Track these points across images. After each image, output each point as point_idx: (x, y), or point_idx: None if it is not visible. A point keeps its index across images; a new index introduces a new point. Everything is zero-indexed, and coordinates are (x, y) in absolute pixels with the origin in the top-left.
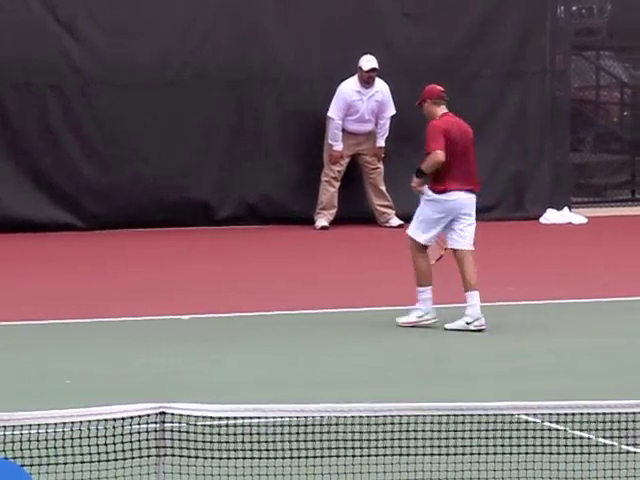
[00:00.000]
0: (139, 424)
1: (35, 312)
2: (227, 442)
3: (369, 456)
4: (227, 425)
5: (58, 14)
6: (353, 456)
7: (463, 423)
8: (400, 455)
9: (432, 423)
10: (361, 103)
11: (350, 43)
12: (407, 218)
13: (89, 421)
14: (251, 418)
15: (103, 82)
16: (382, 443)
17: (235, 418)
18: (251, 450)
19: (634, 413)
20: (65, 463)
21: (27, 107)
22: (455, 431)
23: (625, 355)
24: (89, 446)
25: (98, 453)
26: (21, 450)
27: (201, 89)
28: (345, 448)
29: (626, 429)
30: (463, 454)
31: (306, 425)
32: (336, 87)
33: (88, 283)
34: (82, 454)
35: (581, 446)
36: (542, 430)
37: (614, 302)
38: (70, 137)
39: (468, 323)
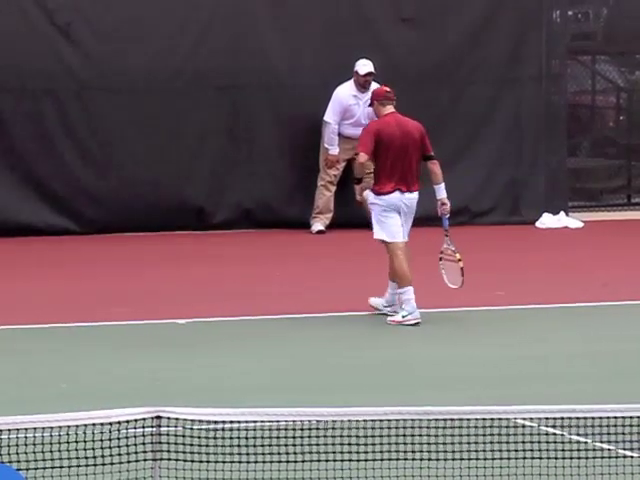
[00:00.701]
0: (135, 428)
1: (31, 316)
2: (223, 446)
3: (366, 460)
4: (223, 429)
5: (54, 19)
6: (350, 460)
7: (460, 427)
8: (397, 460)
9: (428, 427)
10: (357, 107)
11: (345, 48)
12: None
13: (85, 425)
14: (247, 422)
15: (98, 87)
16: (378, 447)
17: (231, 422)
18: (247, 454)
19: (631, 417)
20: (61, 467)
21: (22, 112)
22: (452, 435)
23: (621, 359)
24: (85, 450)
25: (94, 457)
26: (17, 454)
27: (196, 94)
28: (341, 452)
29: (623, 433)
30: (461, 459)
31: (302, 429)
32: (331, 92)
33: (84, 287)
34: (78, 458)
35: (578, 450)
36: (539, 434)
37: (611, 306)
38: (65, 142)
39: (385, 306)
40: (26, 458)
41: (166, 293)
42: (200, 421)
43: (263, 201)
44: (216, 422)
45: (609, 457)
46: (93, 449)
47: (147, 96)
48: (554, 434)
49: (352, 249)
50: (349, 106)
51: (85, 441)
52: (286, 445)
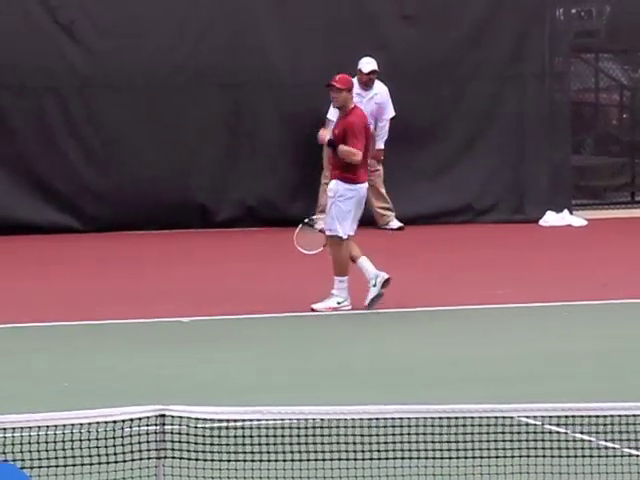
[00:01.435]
0: (139, 426)
1: (34, 314)
2: (227, 444)
3: (371, 459)
4: (227, 427)
5: (56, 16)
6: (355, 459)
7: (464, 426)
8: (402, 459)
9: (432, 426)
10: (360, 105)
11: (348, 45)
12: (407, 220)
13: (89, 423)
14: (251, 420)
15: (101, 85)
16: (383, 446)
17: (235, 420)
18: (251, 452)
19: (635, 416)
20: (65, 465)
21: (25, 109)
22: (456, 434)
23: (624, 357)
24: (89, 448)
25: (98, 455)
26: (21, 452)
27: (199, 91)
28: (346, 451)
29: (627, 432)
30: (465, 457)
31: (306, 427)
32: None
33: (87, 285)
34: (82, 456)
35: (582, 449)
36: (542, 433)
37: (614, 304)
38: (68, 139)
39: (339, 303)
40: (30, 456)
41: (169, 291)
42: (204, 419)
43: (266, 199)
44: (220, 420)
45: (614, 456)
46: (97, 447)
47: (149, 93)
48: (558, 432)
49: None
50: None
51: (89, 439)
52: (290, 444)
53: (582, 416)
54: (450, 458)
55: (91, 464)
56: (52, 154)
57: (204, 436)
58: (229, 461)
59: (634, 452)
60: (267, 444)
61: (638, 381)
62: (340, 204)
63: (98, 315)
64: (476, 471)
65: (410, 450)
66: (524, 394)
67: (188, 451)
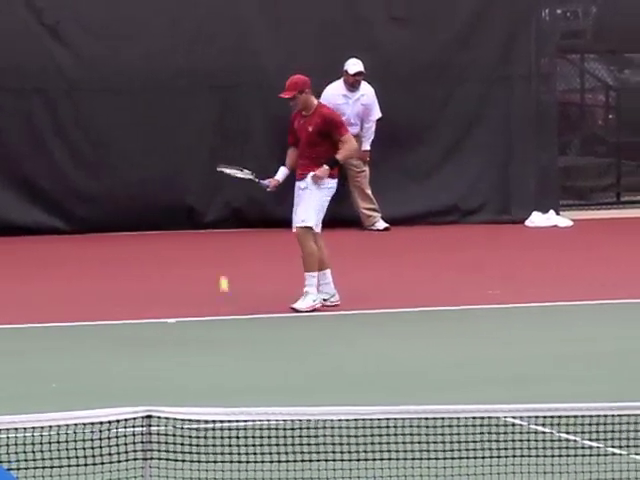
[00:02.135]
0: (125, 427)
1: (20, 316)
2: (214, 445)
3: (358, 460)
4: (214, 428)
5: (43, 18)
6: (342, 460)
7: (450, 426)
8: (389, 459)
9: (419, 427)
10: (347, 107)
11: (336, 47)
12: (393, 221)
13: (75, 424)
14: (238, 421)
15: (89, 86)
16: (370, 447)
17: (222, 421)
18: (238, 454)
19: (620, 416)
20: (52, 467)
21: (13, 111)
22: (442, 434)
23: (611, 358)
24: (75, 449)
25: (85, 456)
26: (7, 454)
27: (187, 93)
28: (333, 452)
29: (612, 431)
30: (452, 458)
31: (293, 429)
32: (321, 91)
33: (74, 287)
34: (69, 457)
35: (567, 448)
36: (528, 433)
37: (600, 305)
38: (56, 141)
39: (325, 299)
40: (17, 458)
41: (156, 292)
42: (190, 420)
43: (253, 201)
44: (206, 421)
45: (598, 455)
46: (84, 449)
47: (137, 95)
48: (543, 432)
49: (342, 247)
50: (338, 105)
51: (75, 441)
52: (277, 445)
53: (567, 416)
54: (437, 459)
55: (77, 465)
56: (40, 156)
57: (191, 437)
58: (215, 462)
59: (617, 451)
60: (254, 445)
61: (623, 381)
62: (320, 194)
63: (85, 317)
64: (462, 472)
65: (397, 451)
66: (510, 395)
67: (175, 452)
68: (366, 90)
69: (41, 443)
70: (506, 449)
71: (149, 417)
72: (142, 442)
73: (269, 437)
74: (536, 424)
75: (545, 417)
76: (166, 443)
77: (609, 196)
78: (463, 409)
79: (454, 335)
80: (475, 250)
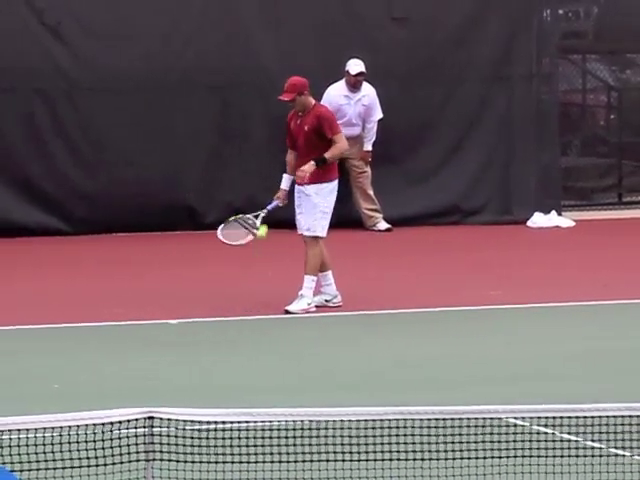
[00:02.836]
0: (127, 429)
1: (22, 317)
2: (215, 446)
3: (359, 461)
4: (216, 429)
5: (43, 18)
6: (343, 460)
7: (452, 427)
8: (390, 460)
9: (421, 427)
10: (348, 107)
11: (336, 47)
12: (395, 222)
13: (77, 426)
14: (240, 422)
15: (88, 86)
16: (371, 447)
17: (224, 422)
18: (240, 454)
19: (622, 416)
20: (55, 468)
21: (13, 111)
22: (444, 435)
23: (614, 359)
24: (78, 451)
25: (87, 458)
26: (10, 455)
27: (187, 93)
28: (335, 452)
29: (614, 432)
30: (453, 459)
31: (295, 429)
32: (323, 91)
33: (75, 288)
34: (71, 459)
35: (569, 449)
36: (530, 433)
37: (604, 305)
38: (56, 141)
39: (327, 300)
40: (19, 459)
41: (157, 293)
42: (192, 421)
43: (254, 201)
44: (208, 422)
45: (600, 456)
46: (86, 450)
47: (138, 95)
48: (545, 433)
49: (344, 248)
50: (340, 106)
51: (78, 442)
52: (279, 445)
53: (569, 417)
54: (438, 459)
55: (80, 466)
56: (41, 156)
57: (192, 438)
58: (217, 462)
59: (620, 452)
60: (256, 446)
61: (623, 381)
62: (321, 199)
63: (86, 317)
64: (464, 472)
65: (398, 452)
66: (512, 395)
67: (177, 453)
68: (368, 91)
69: (44, 444)
70: (508, 449)
71: (151, 418)
72: (144, 443)
73: (271, 438)
74: (538, 425)
75: (547, 418)
76: (168, 444)
77: (611, 197)
78: (465, 410)
79: (455, 335)
80: (477, 251)
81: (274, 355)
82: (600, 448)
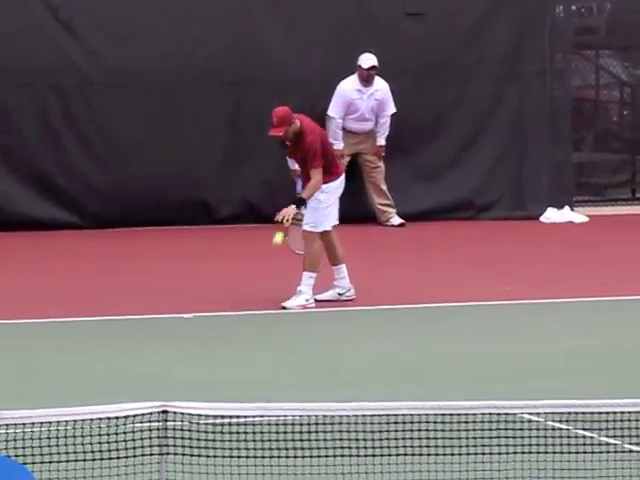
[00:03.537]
0: (142, 422)
1: (36, 311)
2: (229, 440)
3: (373, 456)
4: (230, 424)
5: (57, 14)
6: (357, 456)
7: (466, 422)
8: (405, 455)
9: (435, 422)
10: (361, 102)
11: (349, 43)
12: (408, 217)
13: (91, 419)
14: (254, 417)
15: (102, 82)
16: (386, 442)
17: (238, 417)
18: (254, 449)
19: (637, 412)
20: (67, 461)
21: (28, 107)
22: (458, 430)
23: (629, 354)
24: (91, 444)
25: (101, 451)
26: (23, 448)
27: (200, 89)
28: (349, 447)
29: (629, 428)
30: (467, 454)
31: (309, 424)
32: (335, 87)
33: (88, 282)
34: (85, 452)
35: (584, 445)
36: (545, 429)
37: (614, 301)
38: (70, 136)
39: (340, 294)
40: (32, 452)
41: (171, 287)
42: (206, 416)
43: (268, 196)
44: (222, 417)
45: (615, 452)
46: (100, 443)
47: (151, 91)
48: (560, 429)
49: (357, 243)
50: (353, 100)
51: (91, 435)
52: (292, 440)
53: (584, 413)
54: (452, 455)
55: (93, 460)
56: (55, 151)
57: (206, 432)
58: (231, 457)
59: (635, 448)
60: (270, 440)
61: (639, 378)
62: (325, 196)
63: (100, 311)
64: (478, 468)
65: (412, 447)
66: (527, 391)
67: (190, 447)
68: (380, 85)
69: (57, 437)
70: (522, 445)
71: (165, 412)
72: (158, 437)
73: (285, 432)
74: (553, 420)
75: (562, 413)
76: (182, 438)
77: (624, 192)
78: (479, 405)
79: (467, 331)
80: (490, 246)
81: (290, 350)
82: (615, 444)
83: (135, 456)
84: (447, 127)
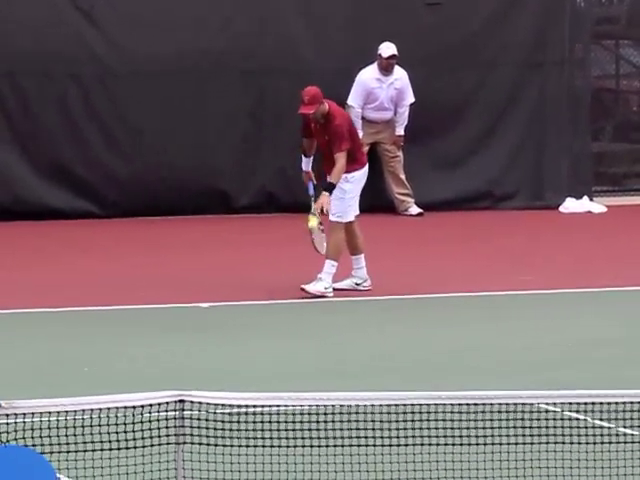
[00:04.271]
0: (158, 412)
1: (53, 300)
2: (246, 430)
3: (390, 446)
4: (246, 413)
5: (78, 3)
6: (374, 445)
7: (483, 412)
8: (422, 445)
9: (452, 412)
10: (380, 91)
11: (369, 32)
12: (427, 206)
13: (108, 408)
14: (270, 406)
15: (123, 72)
16: (402, 432)
17: (254, 406)
18: (270, 438)
19: None
20: (85, 450)
21: (48, 96)
22: (475, 420)
23: None
24: (108, 434)
25: (117, 440)
26: (41, 438)
27: (220, 78)
28: (366, 437)
29: None
30: (485, 444)
31: (325, 414)
32: (355, 76)
33: (107, 271)
34: (101, 442)
35: (601, 435)
36: (562, 419)
37: (634, 291)
38: (90, 126)
39: (357, 284)
40: (49, 442)
41: (189, 276)
42: (223, 405)
43: (287, 185)
44: (239, 406)
45: (632, 442)
46: (116, 432)
47: (171, 80)
48: (577, 419)
49: (375, 233)
50: (372, 89)
51: (108, 425)
52: (310, 430)
53: (601, 403)
54: (470, 444)
55: (110, 449)
56: (75, 140)
57: (223, 422)
58: (248, 447)
59: None
60: (286, 430)
61: None
62: (350, 186)
63: (119, 300)
64: (495, 457)
65: (429, 437)
66: (545, 381)
67: (207, 437)
68: (400, 74)
69: (74, 427)
70: (540, 436)
71: (182, 401)
72: (175, 426)
73: (302, 422)
74: (570, 410)
75: (579, 404)
76: (199, 427)
77: None
78: (496, 395)
79: (486, 321)
80: (508, 236)
81: (307, 339)
82: (632, 434)
83: (152, 445)
84: (466, 117)
